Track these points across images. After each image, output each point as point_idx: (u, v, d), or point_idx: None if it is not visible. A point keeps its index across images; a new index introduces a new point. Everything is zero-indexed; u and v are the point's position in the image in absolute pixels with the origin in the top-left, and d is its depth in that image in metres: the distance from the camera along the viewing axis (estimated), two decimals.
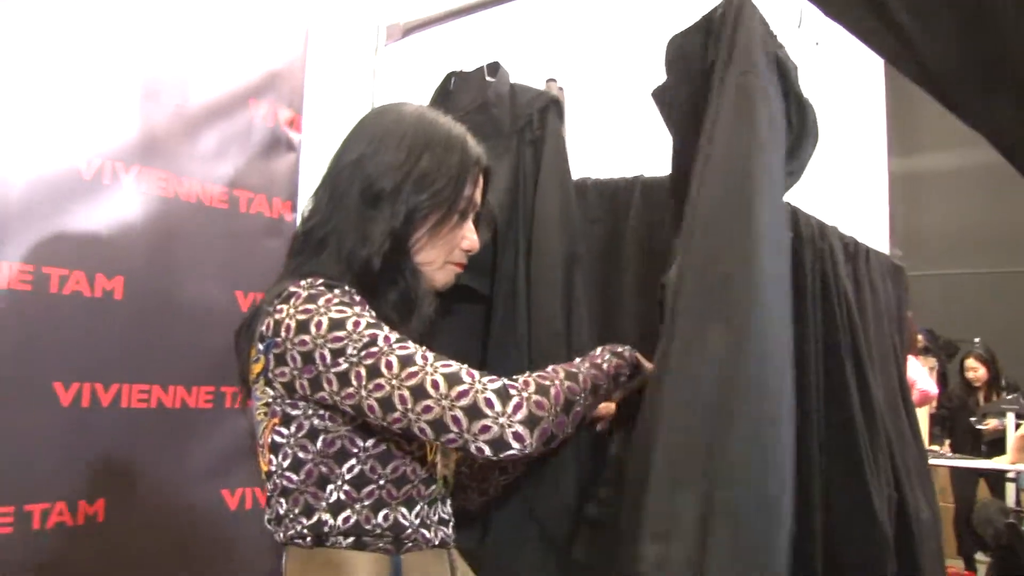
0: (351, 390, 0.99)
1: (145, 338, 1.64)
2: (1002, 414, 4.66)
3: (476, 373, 1.00)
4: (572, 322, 1.53)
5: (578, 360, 1.15)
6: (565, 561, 1.46)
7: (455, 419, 0.96)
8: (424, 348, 1.02)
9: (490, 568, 1.41)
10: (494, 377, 1.00)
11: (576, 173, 1.70)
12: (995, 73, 1.57)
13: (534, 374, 1.05)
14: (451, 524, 1.17)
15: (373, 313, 1.06)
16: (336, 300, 1.04)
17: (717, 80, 1.23)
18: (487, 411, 0.96)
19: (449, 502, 1.17)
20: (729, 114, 1.18)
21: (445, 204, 1.14)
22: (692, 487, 0.97)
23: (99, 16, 1.61)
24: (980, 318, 5.23)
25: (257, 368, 1.07)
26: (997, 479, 4.44)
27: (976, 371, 4.99)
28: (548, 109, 1.64)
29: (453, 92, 1.71)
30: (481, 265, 1.57)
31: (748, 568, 0.95)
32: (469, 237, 1.19)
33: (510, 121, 1.65)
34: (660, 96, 1.35)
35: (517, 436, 0.96)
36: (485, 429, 0.96)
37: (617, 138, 2.41)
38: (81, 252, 1.56)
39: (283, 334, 1.03)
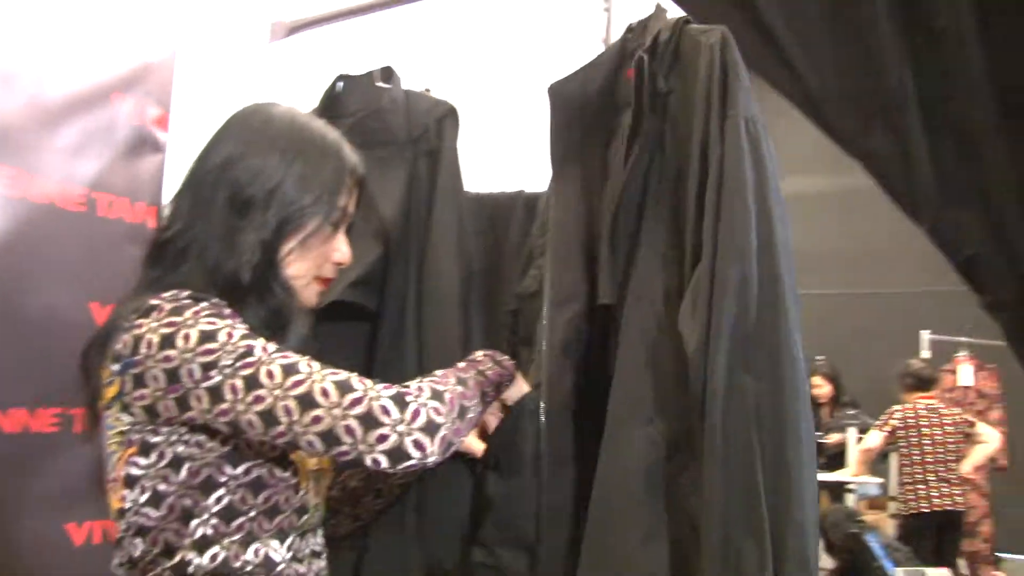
0: (225, 405, 0.91)
1: None
2: (843, 429, 4.96)
3: (367, 381, 0.94)
4: (468, 342, 1.48)
5: (463, 364, 1.12)
6: None
7: (348, 429, 0.90)
8: (308, 358, 0.95)
9: None
10: (387, 384, 0.95)
11: None
12: (871, 104, 1.65)
13: (425, 379, 1.00)
14: (323, 556, 1.09)
15: (247, 325, 0.97)
16: (205, 312, 0.95)
17: (701, 123, 1.15)
18: (384, 419, 0.91)
19: (320, 532, 1.10)
20: (735, 162, 1.10)
21: (319, 214, 1.06)
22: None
23: None
24: (825, 337, 5.53)
25: (111, 392, 0.96)
26: (837, 490, 4.71)
27: (820, 388, 5.28)
28: (446, 120, 1.58)
29: (341, 95, 1.63)
30: (369, 279, 1.50)
31: None
32: (341, 249, 1.11)
33: (406, 130, 1.58)
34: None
35: (417, 444, 0.92)
36: (382, 439, 0.91)
37: (498, 151, 2.38)
38: None
39: (143, 351, 0.94)
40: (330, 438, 0.90)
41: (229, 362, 0.92)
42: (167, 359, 0.93)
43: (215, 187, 1.04)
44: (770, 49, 1.51)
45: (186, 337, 0.93)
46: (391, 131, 1.57)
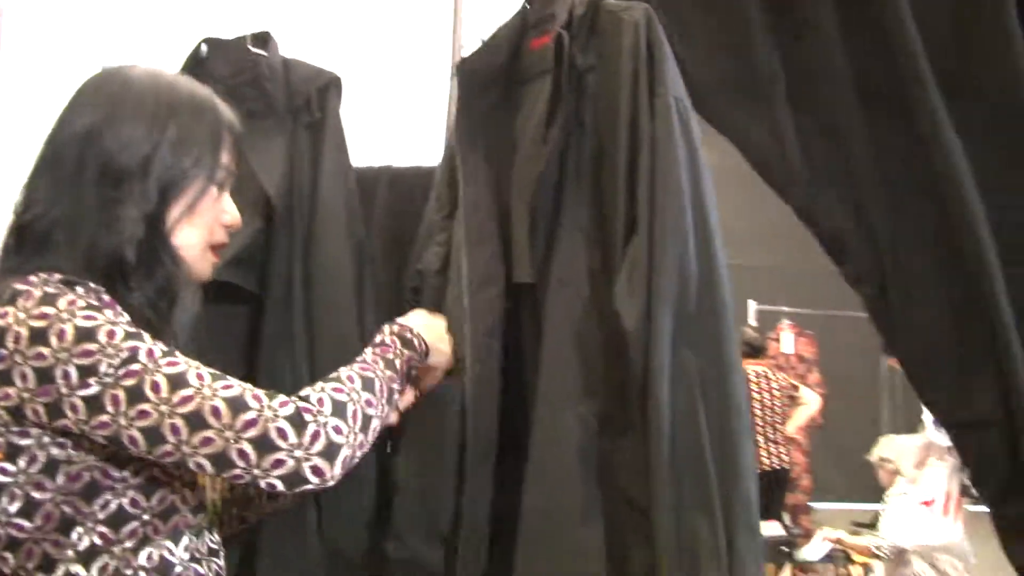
0: (105, 418, 0.83)
1: None
2: None
3: (263, 395, 0.87)
4: (364, 322, 1.42)
5: (369, 355, 1.05)
6: None
7: (242, 453, 0.84)
8: (197, 364, 0.88)
9: None
10: (284, 399, 0.88)
11: None
12: (747, 91, 1.71)
13: (327, 387, 0.94)
14: (221, 554, 1.02)
15: (128, 319, 0.89)
16: (82, 303, 0.86)
17: (632, 99, 1.15)
18: (280, 443, 0.85)
19: (216, 530, 1.02)
20: (666, 145, 1.14)
21: (202, 175, 0.99)
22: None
23: None
24: None
25: None
26: None
27: None
28: (328, 90, 1.51)
29: (207, 60, 1.51)
30: (248, 258, 1.41)
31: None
32: (230, 211, 1.05)
33: (285, 99, 1.49)
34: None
35: (316, 470, 0.87)
36: (278, 464, 0.85)
37: (373, 125, 2.29)
38: None
39: (11, 345, 0.84)
40: (222, 461, 0.85)
41: (110, 369, 0.84)
42: (39, 356, 0.83)
43: (80, 162, 0.94)
44: None
45: (60, 334, 0.84)
46: (269, 100, 1.49)
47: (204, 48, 1.54)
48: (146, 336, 0.88)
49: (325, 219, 1.45)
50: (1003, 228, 1.29)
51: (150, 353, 0.86)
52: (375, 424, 0.97)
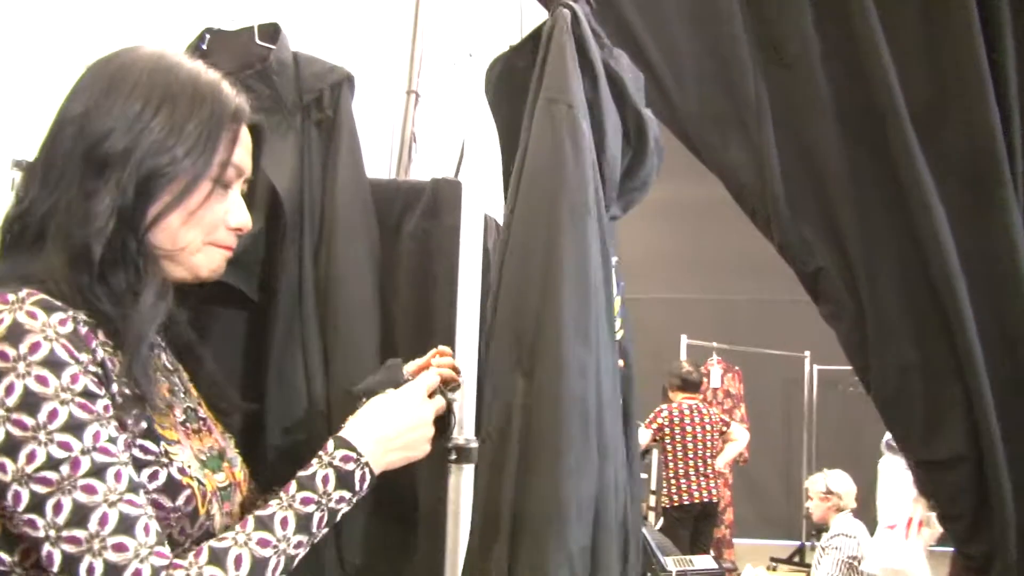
0: (6, 503, 0.78)
1: None
2: None
3: (150, 538, 0.79)
4: (387, 328, 1.39)
5: (287, 499, 0.90)
6: None
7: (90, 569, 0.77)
8: (126, 489, 0.79)
9: None
10: (173, 561, 0.79)
11: None
12: (730, 122, 1.73)
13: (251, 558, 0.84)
14: None
15: (94, 370, 0.82)
16: (45, 349, 0.78)
17: (529, 106, 1.20)
18: None
19: None
20: (535, 148, 1.17)
21: (194, 169, 0.90)
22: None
23: None
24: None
25: None
26: None
27: None
28: (342, 87, 1.43)
29: (208, 52, 1.43)
30: (248, 260, 1.32)
31: None
32: (236, 212, 0.97)
33: (295, 95, 1.41)
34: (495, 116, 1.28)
35: None
36: None
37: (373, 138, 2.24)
38: None
39: None
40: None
41: (27, 461, 0.77)
42: None
43: (72, 146, 0.87)
44: (640, 63, 1.54)
45: (9, 388, 0.77)
46: (278, 96, 1.40)
47: (206, 39, 1.45)
48: (94, 420, 0.80)
49: (340, 221, 1.37)
50: (972, 260, 1.32)
51: (75, 463, 0.78)
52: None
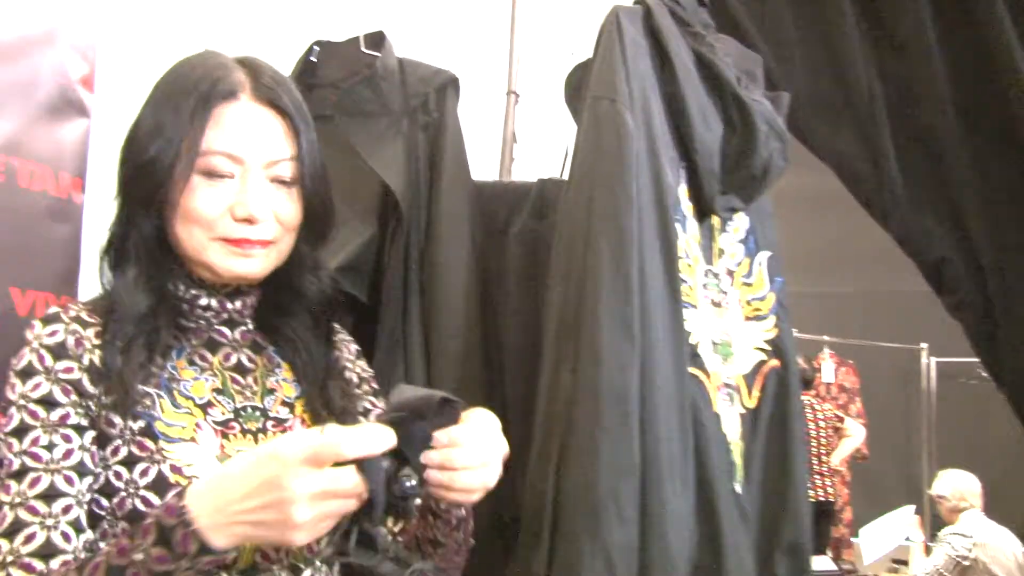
0: None
1: None
2: None
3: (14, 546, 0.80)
4: (495, 330, 1.42)
5: (104, 552, 0.80)
6: None
7: None
8: (36, 495, 0.82)
9: None
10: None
11: None
12: (842, 110, 1.67)
13: None
14: None
15: (69, 378, 0.87)
16: (24, 359, 0.87)
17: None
18: None
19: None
20: (581, 145, 1.18)
21: (169, 161, 0.88)
22: None
23: None
24: None
25: None
26: None
27: None
28: (447, 89, 1.46)
29: (318, 63, 1.49)
30: (357, 265, 1.36)
31: None
32: (241, 200, 0.90)
33: (401, 100, 1.45)
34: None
35: None
36: None
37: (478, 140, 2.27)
38: None
39: None
40: None
41: None
42: None
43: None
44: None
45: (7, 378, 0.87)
46: (385, 101, 1.44)
47: (315, 51, 1.51)
48: (33, 428, 0.85)
49: (445, 223, 1.40)
50: None
51: (7, 463, 0.84)
52: None
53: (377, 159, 1.36)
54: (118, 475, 0.87)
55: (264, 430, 0.95)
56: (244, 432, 0.94)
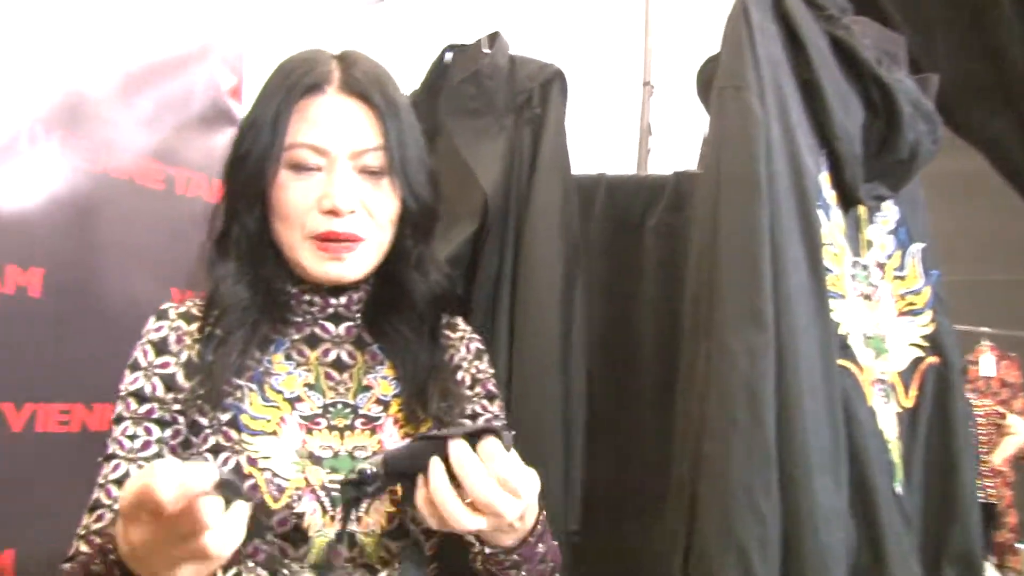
0: None
1: (66, 345, 1.34)
2: None
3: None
4: (568, 339, 1.38)
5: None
6: None
7: None
8: (112, 480, 0.88)
9: None
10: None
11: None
12: (997, 93, 1.55)
13: None
14: None
15: (166, 372, 0.92)
16: (135, 352, 0.93)
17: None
18: None
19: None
20: (710, 136, 1.16)
21: (263, 157, 0.88)
22: None
23: None
24: None
25: None
26: None
27: None
28: (551, 84, 1.46)
29: (450, 66, 1.51)
30: (458, 261, 1.38)
31: None
32: (327, 192, 0.88)
33: (507, 96, 1.46)
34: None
35: None
36: None
37: (615, 133, 2.27)
38: None
39: None
40: None
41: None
42: None
43: None
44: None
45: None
46: (489, 98, 1.45)
47: (448, 56, 1.54)
48: (126, 418, 0.91)
49: (537, 215, 1.39)
50: None
51: (105, 446, 0.91)
52: None
53: (475, 156, 1.37)
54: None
55: (352, 427, 0.94)
56: (331, 428, 0.93)
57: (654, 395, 1.54)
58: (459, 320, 1.07)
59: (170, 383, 0.91)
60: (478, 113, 1.45)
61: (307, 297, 0.96)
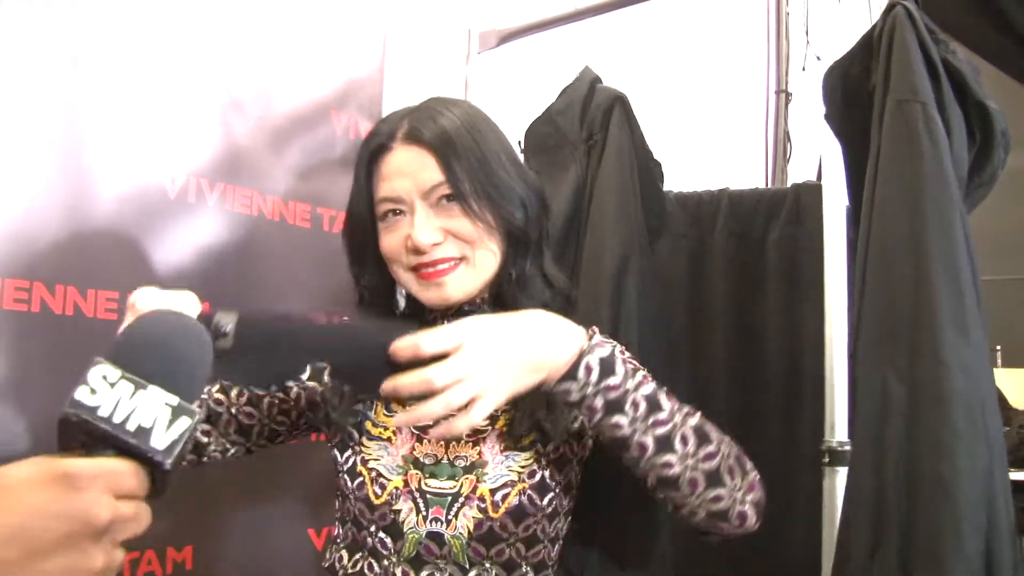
0: None
1: None
2: None
3: None
4: (750, 336, 1.47)
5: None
6: None
7: None
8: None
9: None
10: None
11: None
12: None
13: None
14: None
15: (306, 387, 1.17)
16: None
17: (877, 109, 1.15)
18: None
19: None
20: (890, 149, 1.14)
21: (358, 207, 1.08)
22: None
23: (181, 28, 1.51)
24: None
25: None
26: None
27: None
28: (613, 108, 1.48)
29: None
30: None
31: None
32: (413, 235, 1.01)
33: (579, 129, 1.51)
34: (831, 123, 1.26)
35: None
36: None
37: (708, 150, 2.28)
38: (167, 277, 1.46)
39: None
40: None
41: None
42: None
43: None
44: (995, 28, 1.36)
45: None
46: (560, 132, 1.51)
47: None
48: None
49: (591, 233, 1.44)
50: None
51: None
52: None
53: (551, 190, 1.42)
54: (334, 458, 1.09)
55: (458, 439, 1.03)
56: (435, 440, 1.04)
57: (780, 404, 1.56)
58: None
59: (312, 399, 1.14)
60: (555, 148, 1.51)
61: (430, 316, 1.08)
